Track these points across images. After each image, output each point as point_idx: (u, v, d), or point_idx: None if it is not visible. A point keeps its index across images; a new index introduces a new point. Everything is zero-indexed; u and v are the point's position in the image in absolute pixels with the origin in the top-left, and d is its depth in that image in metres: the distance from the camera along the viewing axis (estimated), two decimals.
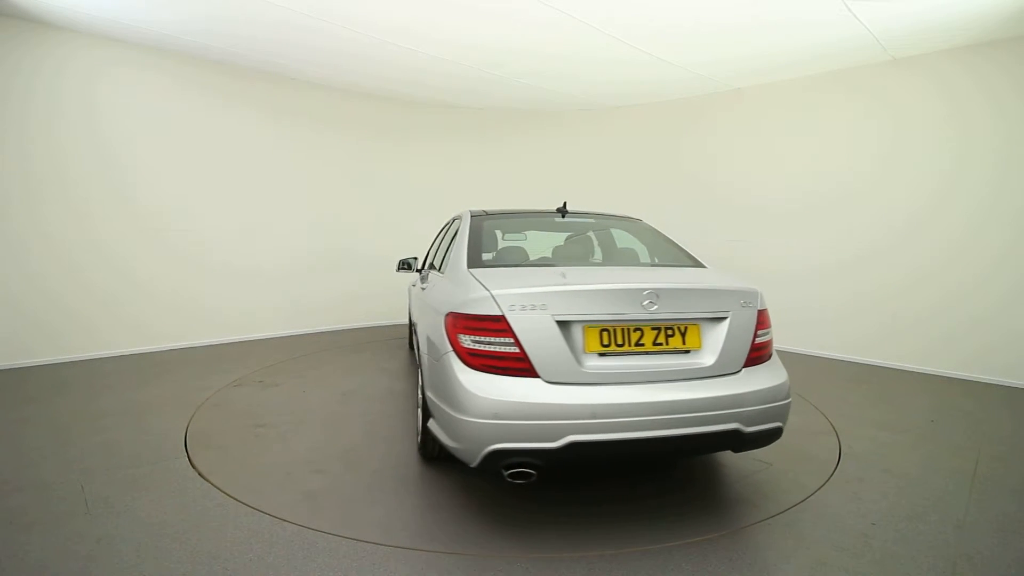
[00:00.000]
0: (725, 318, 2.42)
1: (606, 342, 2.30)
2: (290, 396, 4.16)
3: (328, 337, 6.44)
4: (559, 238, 3.69)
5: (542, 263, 3.14)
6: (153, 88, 5.45)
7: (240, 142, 6.05)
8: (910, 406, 4.18)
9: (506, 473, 2.17)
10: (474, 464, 2.17)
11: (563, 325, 2.26)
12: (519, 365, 2.22)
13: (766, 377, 2.45)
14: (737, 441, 2.36)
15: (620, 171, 7.28)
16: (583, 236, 3.63)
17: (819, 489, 2.78)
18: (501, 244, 3.32)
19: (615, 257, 3.44)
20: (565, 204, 3.45)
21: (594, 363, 2.27)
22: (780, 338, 5.99)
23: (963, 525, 2.45)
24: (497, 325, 2.25)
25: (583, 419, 2.13)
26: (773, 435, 2.45)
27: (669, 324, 2.36)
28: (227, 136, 5.96)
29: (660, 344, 2.34)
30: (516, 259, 3.13)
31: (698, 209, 6.66)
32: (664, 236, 3.45)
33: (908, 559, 2.19)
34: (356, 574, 2.03)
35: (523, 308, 2.26)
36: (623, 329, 2.32)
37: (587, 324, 2.29)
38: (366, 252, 7.00)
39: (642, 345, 2.33)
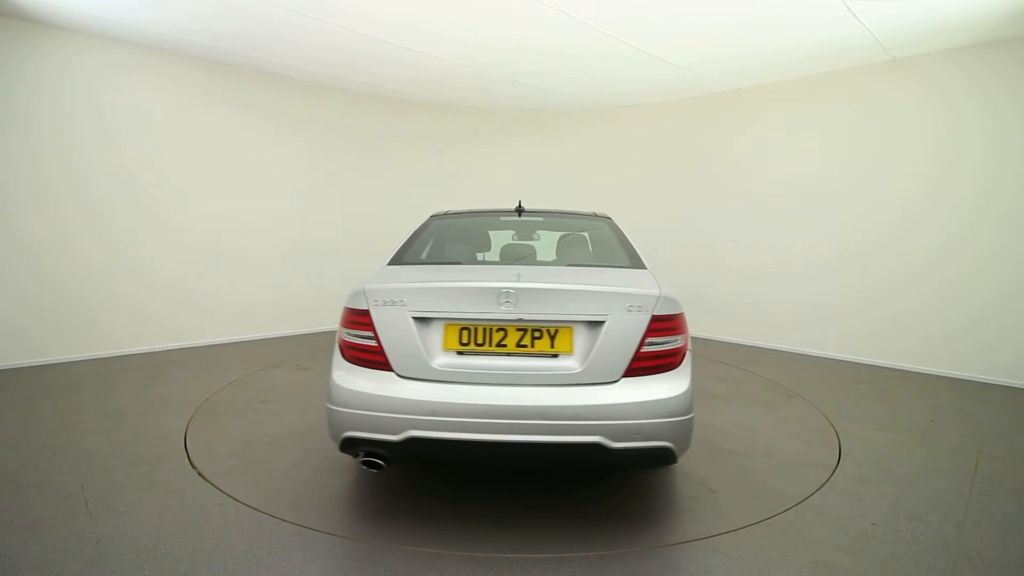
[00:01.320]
0: (602, 323, 2.24)
1: (465, 340, 2.28)
2: (291, 394, 4.16)
3: (330, 337, 6.44)
4: (508, 237, 3.60)
5: (461, 261, 3.07)
6: (155, 87, 5.45)
7: (241, 142, 6.05)
8: (910, 406, 4.18)
9: (360, 460, 2.30)
10: (339, 448, 2.31)
11: (422, 322, 2.29)
12: (376, 358, 2.30)
13: (652, 390, 2.20)
14: (601, 456, 2.15)
15: (619, 171, 7.28)
16: (530, 236, 3.58)
17: (819, 489, 2.78)
18: (448, 243, 3.29)
19: (550, 256, 3.33)
20: (520, 203, 3.48)
21: (447, 360, 2.27)
22: (780, 338, 6.06)
23: (963, 525, 2.45)
24: (362, 319, 2.33)
25: (424, 415, 2.15)
26: (658, 456, 2.21)
27: (537, 326, 2.26)
28: (229, 135, 5.96)
29: (524, 346, 2.27)
30: (444, 257, 3.09)
31: (697, 208, 6.66)
32: (617, 236, 3.26)
33: (908, 559, 2.19)
34: (356, 574, 2.03)
35: (384, 304, 2.31)
36: (485, 328, 2.27)
37: (447, 322, 2.28)
38: (367, 251, 6.98)
39: (504, 346, 2.27)
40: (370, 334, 2.31)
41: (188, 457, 3.02)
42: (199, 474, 2.82)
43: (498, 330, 2.27)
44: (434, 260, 3.05)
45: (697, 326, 6.60)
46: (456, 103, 7.39)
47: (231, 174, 6.03)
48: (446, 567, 2.08)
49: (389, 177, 7.24)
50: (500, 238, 3.54)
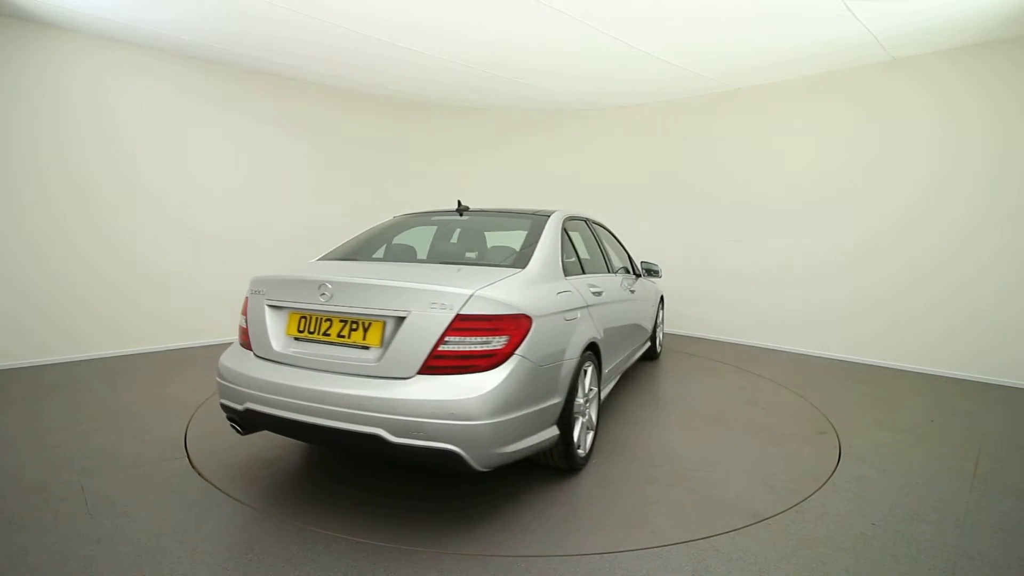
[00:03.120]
0: (404, 318, 2.27)
1: (301, 328, 2.49)
2: None
3: None
4: (443, 236, 3.60)
5: (379, 258, 3.21)
6: (158, 86, 5.46)
7: (246, 140, 6.06)
8: (910, 406, 4.18)
9: (230, 424, 2.62)
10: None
11: (276, 309, 2.57)
12: (245, 339, 2.65)
13: (444, 390, 2.14)
14: (384, 449, 2.16)
15: (619, 171, 7.28)
16: (453, 235, 3.57)
17: (819, 489, 2.78)
18: (380, 241, 3.41)
19: (460, 254, 3.31)
20: (460, 202, 3.56)
21: (284, 344, 2.51)
22: (780, 338, 6.06)
23: (963, 525, 2.45)
24: (244, 305, 2.71)
25: (257, 391, 2.41)
26: (445, 458, 2.13)
27: (355, 318, 2.38)
28: (233, 134, 5.97)
29: (343, 336, 2.39)
30: (361, 254, 3.21)
31: (697, 208, 6.67)
32: (531, 235, 3.13)
33: (908, 559, 2.19)
34: (356, 574, 2.03)
35: (253, 292, 2.66)
36: (317, 318, 2.46)
37: (291, 310, 2.53)
38: None
39: (328, 335, 2.42)
40: (244, 318, 2.67)
41: (188, 457, 3.02)
42: (199, 474, 2.82)
43: (326, 320, 2.45)
44: (349, 256, 3.19)
45: (697, 326, 6.66)
46: (456, 103, 7.40)
47: (237, 173, 6.05)
48: (446, 567, 2.08)
49: (389, 176, 7.25)
50: (442, 236, 3.55)
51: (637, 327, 4.35)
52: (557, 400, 2.54)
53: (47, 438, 3.24)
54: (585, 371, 2.91)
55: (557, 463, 2.78)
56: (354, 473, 2.86)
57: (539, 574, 2.05)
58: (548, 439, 2.51)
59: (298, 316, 2.51)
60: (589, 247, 3.87)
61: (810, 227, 5.84)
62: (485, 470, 2.20)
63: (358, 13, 4.41)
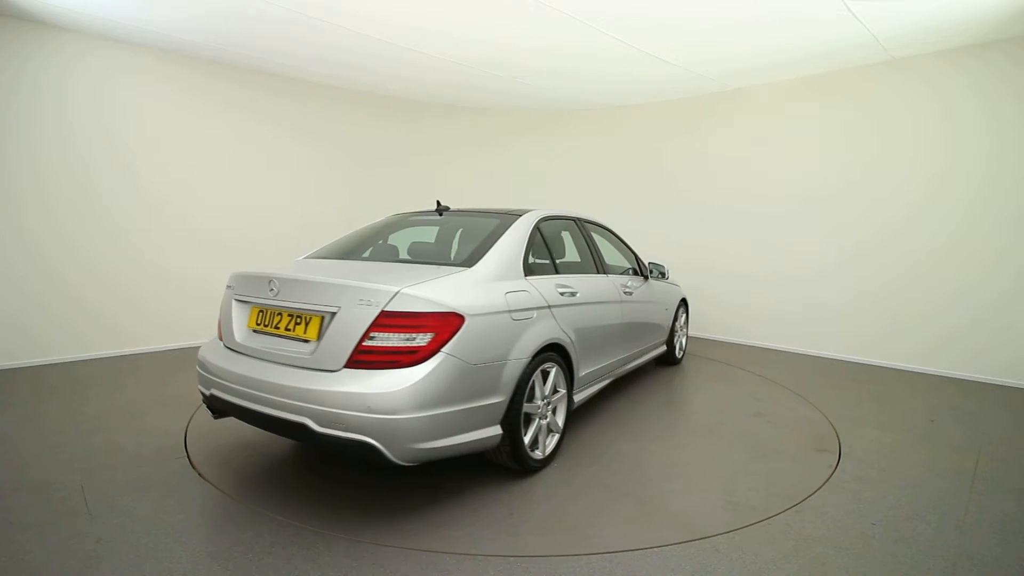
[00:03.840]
0: (335, 313, 2.37)
1: (259, 321, 2.66)
2: None
3: None
4: (423, 236, 3.64)
5: (363, 257, 3.28)
6: (157, 86, 5.46)
7: (245, 140, 6.06)
8: (910, 406, 4.18)
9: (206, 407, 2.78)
10: None
11: (242, 303, 2.76)
12: (219, 330, 2.86)
13: (365, 383, 2.21)
14: (310, 438, 2.25)
15: (619, 171, 7.28)
16: (426, 235, 3.61)
17: (819, 489, 2.78)
18: (366, 241, 3.49)
19: (426, 253, 3.34)
20: (439, 203, 3.63)
21: (244, 336, 2.69)
22: (780, 338, 6.06)
23: (963, 525, 2.45)
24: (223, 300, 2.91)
25: (218, 378, 2.60)
26: (364, 450, 2.17)
27: (299, 312, 2.50)
28: (233, 134, 5.97)
29: (290, 330, 2.52)
30: (344, 253, 3.29)
31: (697, 208, 6.66)
32: (490, 235, 3.15)
33: (908, 559, 2.19)
34: (356, 574, 2.03)
35: (227, 288, 2.86)
36: (271, 312, 2.61)
37: (252, 304, 2.70)
38: None
39: (278, 328, 2.56)
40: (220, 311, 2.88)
41: (188, 457, 3.03)
42: (199, 474, 2.82)
43: (277, 314, 2.59)
44: (332, 255, 3.29)
45: (695, 326, 6.65)
46: (456, 102, 7.40)
47: (237, 172, 6.05)
48: (447, 567, 2.08)
49: (389, 176, 7.24)
50: (420, 236, 3.58)
51: (639, 330, 4.23)
52: (498, 400, 2.55)
53: (47, 438, 3.24)
54: (547, 372, 2.91)
55: (507, 463, 2.78)
56: (354, 473, 2.86)
57: (539, 574, 2.05)
58: (488, 438, 2.53)
59: (257, 310, 2.67)
60: (579, 247, 3.82)
61: (811, 226, 5.83)
62: (405, 464, 2.25)
63: (358, 13, 4.41)
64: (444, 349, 2.31)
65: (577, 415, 3.78)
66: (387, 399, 2.17)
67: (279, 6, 4.26)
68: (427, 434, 2.25)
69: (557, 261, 3.43)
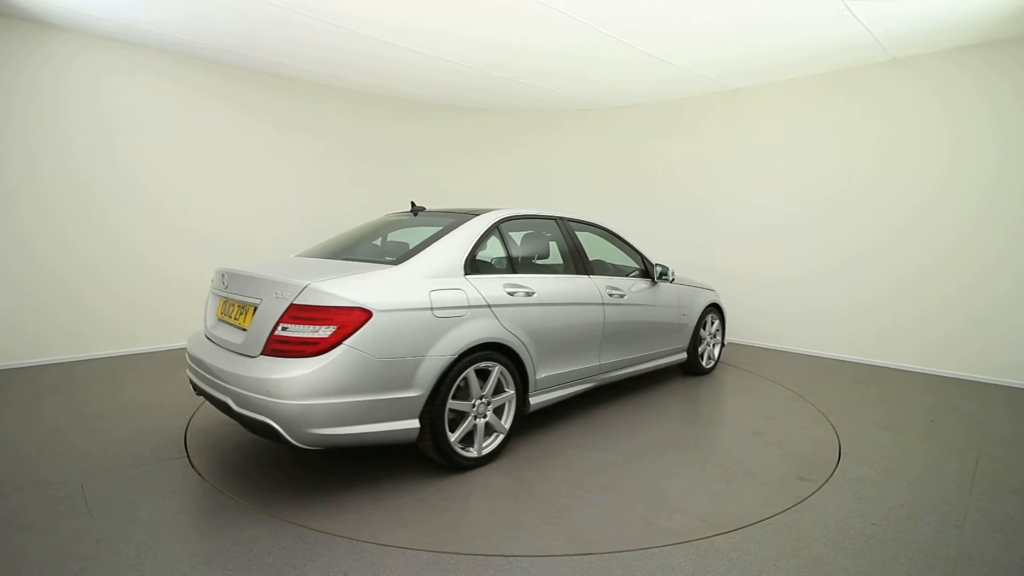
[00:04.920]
0: (258, 306, 2.63)
1: (222, 311, 2.94)
2: None
3: None
4: (404, 236, 3.67)
5: (329, 255, 3.38)
6: (155, 86, 5.46)
7: (242, 141, 6.06)
8: (910, 406, 4.18)
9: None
10: None
11: (215, 296, 3.05)
12: (204, 320, 3.14)
13: (269, 369, 2.42)
14: (233, 415, 2.54)
15: (619, 171, 7.28)
16: (390, 234, 3.65)
17: (819, 489, 2.78)
18: (351, 240, 3.61)
19: (374, 252, 3.39)
20: (414, 203, 3.74)
21: (213, 325, 2.98)
22: (780, 338, 6.05)
23: (963, 525, 2.45)
24: None
25: (190, 362, 2.94)
26: (264, 429, 2.40)
27: (243, 304, 2.76)
28: (230, 135, 5.96)
29: (238, 319, 2.77)
30: (329, 252, 3.43)
31: (698, 209, 6.67)
32: (433, 234, 3.24)
33: (908, 559, 2.19)
34: (356, 574, 2.03)
35: (210, 281, 3.17)
36: (230, 303, 2.89)
37: (220, 296, 2.98)
38: None
39: (231, 317, 2.83)
40: None
41: (188, 457, 3.02)
42: (199, 474, 2.82)
43: (232, 305, 2.87)
44: (319, 254, 3.43)
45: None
46: (456, 103, 7.39)
47: (234, 173, 6.03)
48: (447, 566, 2.08)
49: (389, 176, 7.24)
50: (400, 236, 3.61)
51: (637, 334, 4.06)
52: (414, 394, 2.61)
53: (47, 438, 3.24)
54: (488, 371, 2.92)
55: (434, 457, 2.82)
56: (353, 474, 2.86)
57: (539, 573, 2.05)
58: (404, 431, 2.62)
59: (223, 301, 2.96)
60: (559, 247, 3.75)
61: (812, 227, 5.83)
62: (307, 447, 2.43)
63: (357, 16, 4.41)
64: (347, 342, 2.44)
65: (549, 417, 3.71)
66: (284, 385, 2.35)
67: (279, 6, 4.25)
68: (325, 421, 2.39)
69: (518, 260, 3.42)
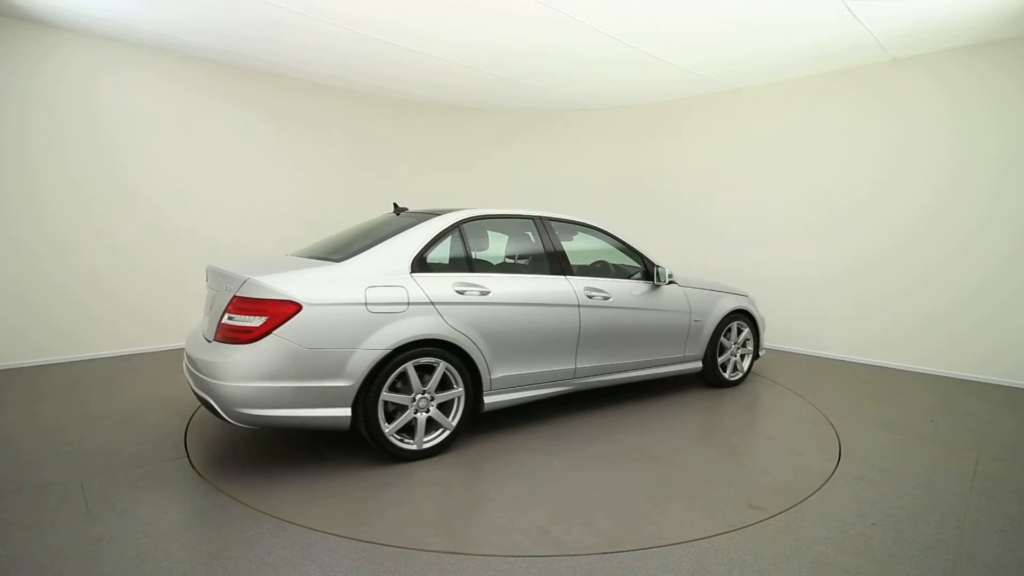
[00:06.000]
0: (216, 296, 2.96)
1: (210, 304, 3.11)
2: None
3: None
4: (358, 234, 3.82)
5: (309, 254, 3.48)
6: (152, 87, 5.45)
7: (240, 142, 6.05)
8: (911, 406, 4.18)
9: None
10: None
11: (209, 290, 3.21)
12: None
13: (211, 354, 2.74)
14: (193, 393, 2.93)
15: (620, 172, 7.28)
16: (375, 233, 3.72)
17: (819, 489, 2.78)
18: (342, 239, 3.69)
19: (330, 249, 3.48)
20: (396, 204, 3.86)
21: (202, 317, 3.24)
22: (780, 338, 6.04)
23: (963, 525, 2.45)
24: None
25: (184, 360, 3.17)
26: (209, 405, 2.71)
27: (215, 296, 3.02)
28: (227, 136, 5.96)
29: (211, 311, 3.02)
30: (315, 252, 3.51)
31: (698, 209, 6.66)
32: (392, 231, 3.38)
33: (908, 559, 2.19)
34: (356, 574, 2.03)
35: (205, 280, 3.32)
36: (211, 296, 3.13)
37: (213, 292, 3.11)
38: None
39: (210, 308, 3.07)
40: None
41: (188, 457, 3.03)
42: (199, 474, 2.82)
43: (212, 298, 3.08)
44: (302, 253, 3.53)
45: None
46: (457, 103, 7.39)
47: (232, 173, 6.02)
48: (447, 566, 2.08)
49: (389, 177, 7.24)
50: (384, 235, 3.68)
51: (628, 339, 3.88)
52: (344, 384, 2.75)
53: (46, 438, 3.24)
54: (432, 367, 2.99)
55: (372, 445, 2.93)
56: (353, 474, 2.86)
57: (539, 573, 2.05)
58: (336, 418, 2.78)
59: (215, 297, 3.09)
60: (536, 248, 3.70)
61: (812, 227, 5.82)
62: (240, 424, 2.68)
63: (358, 17, 4.40)
64: (276, 331, 2.64)
65: (520, 418, 3.65)
66: (221, 368, 2.65)
67: (279, 7, 4.25)
68: (254, 402, 2.62)
69: (477, 260, 3.44)
